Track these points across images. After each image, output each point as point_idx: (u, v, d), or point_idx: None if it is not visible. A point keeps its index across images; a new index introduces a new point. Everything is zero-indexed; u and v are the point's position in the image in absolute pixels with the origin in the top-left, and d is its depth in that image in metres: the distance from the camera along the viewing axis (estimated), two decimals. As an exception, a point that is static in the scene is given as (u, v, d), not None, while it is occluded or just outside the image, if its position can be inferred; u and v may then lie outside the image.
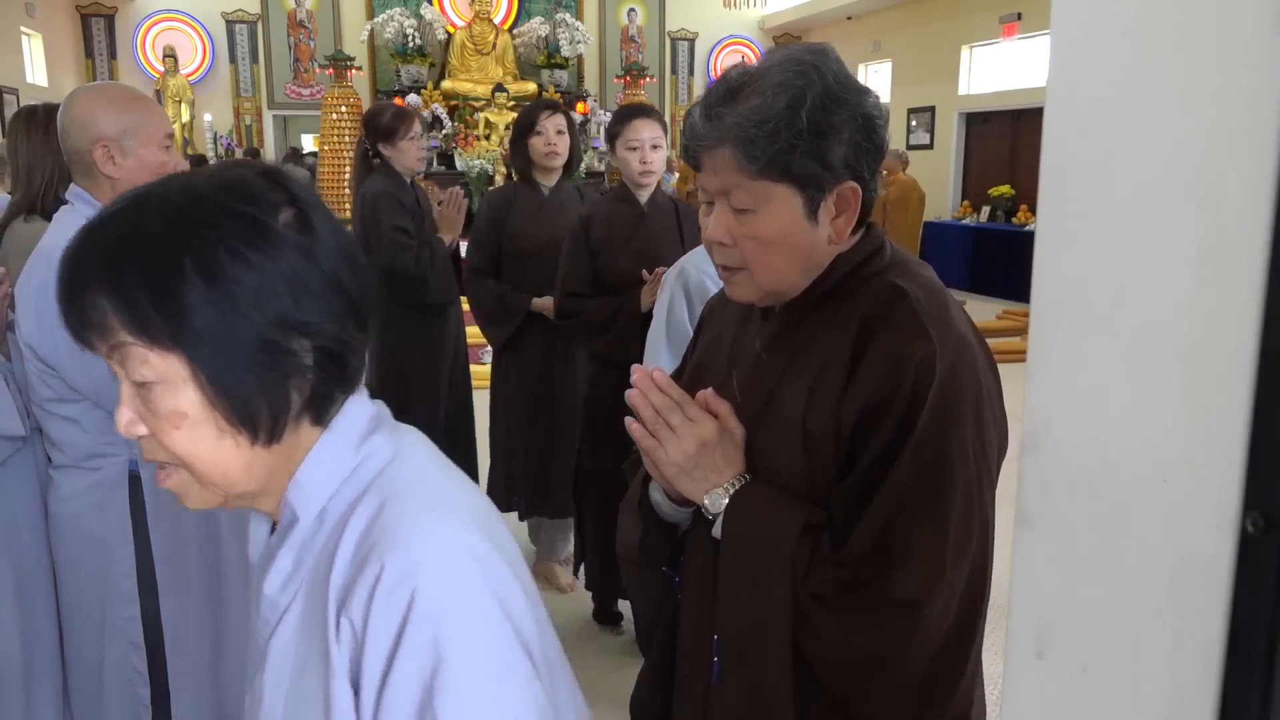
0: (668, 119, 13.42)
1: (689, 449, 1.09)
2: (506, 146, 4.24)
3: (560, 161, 3.28)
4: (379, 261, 3.57)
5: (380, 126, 3.60)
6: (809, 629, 1.05)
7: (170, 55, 13.25)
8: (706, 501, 1.10)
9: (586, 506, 3.10)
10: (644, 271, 2.84)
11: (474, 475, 3.80)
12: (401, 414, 0.91)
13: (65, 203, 1.95)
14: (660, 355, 2.36)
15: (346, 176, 12.16)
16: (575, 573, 3.35)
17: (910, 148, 12.28)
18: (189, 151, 13.05)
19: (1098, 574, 0.50)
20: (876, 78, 14.09)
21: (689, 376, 1.30)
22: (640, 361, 2.84)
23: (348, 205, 14.95)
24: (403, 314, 3.60)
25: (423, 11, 13.37)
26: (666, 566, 1.24)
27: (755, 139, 1.05)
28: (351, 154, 14.30)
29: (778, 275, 1.12)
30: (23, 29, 11.40)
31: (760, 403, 1.15)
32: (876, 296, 1.10)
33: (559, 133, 3.25)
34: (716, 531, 1.11)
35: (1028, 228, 10.28)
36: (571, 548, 3.57)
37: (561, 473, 3.36)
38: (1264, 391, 0.41)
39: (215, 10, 13.53)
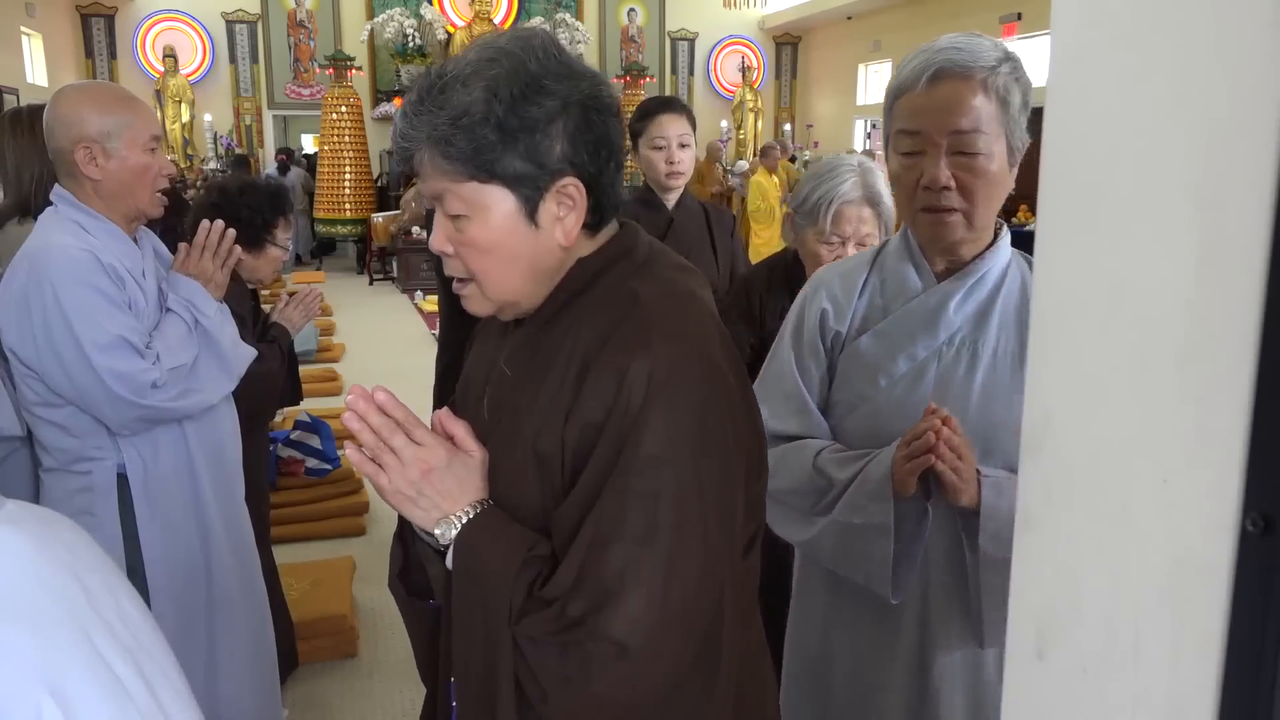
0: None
1: (412, 475, 1.00)
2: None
3: None
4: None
5: None
6: (528, 673, 0.97)
7: (170, 55, 13.25)
8: (437, 532, 1.02)
9: None
10: None
11: None
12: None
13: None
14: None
15: (347, 176, 12.21)
16: None
17: (910, 148, 12.27)
18: (189, 152, 13.05)
19: (1098, 574, 0.50)
20: (876, 78, 14.09)
21: (458, 396, 1.22)
22: None
23: (348, 205, 14.89)
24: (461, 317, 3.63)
25: (423, 11, 13.37)
26: (434, 600, 1.14)
27: (450, 138, 0.96)
28: (351, 154, 14.13)
29: (505, 285, 1.03)
30: (23, 29, 11.39)
31: (503, 421, 1.06)
32: (612, 305, 1.01)
33: None
34: (450, 563, 1.03)
35: (1028, 228, 10.27)
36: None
37: None
38: (1264, 391, 0.41)
39: (215, 10, 13.53)
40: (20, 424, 1.93)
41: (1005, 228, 1.39)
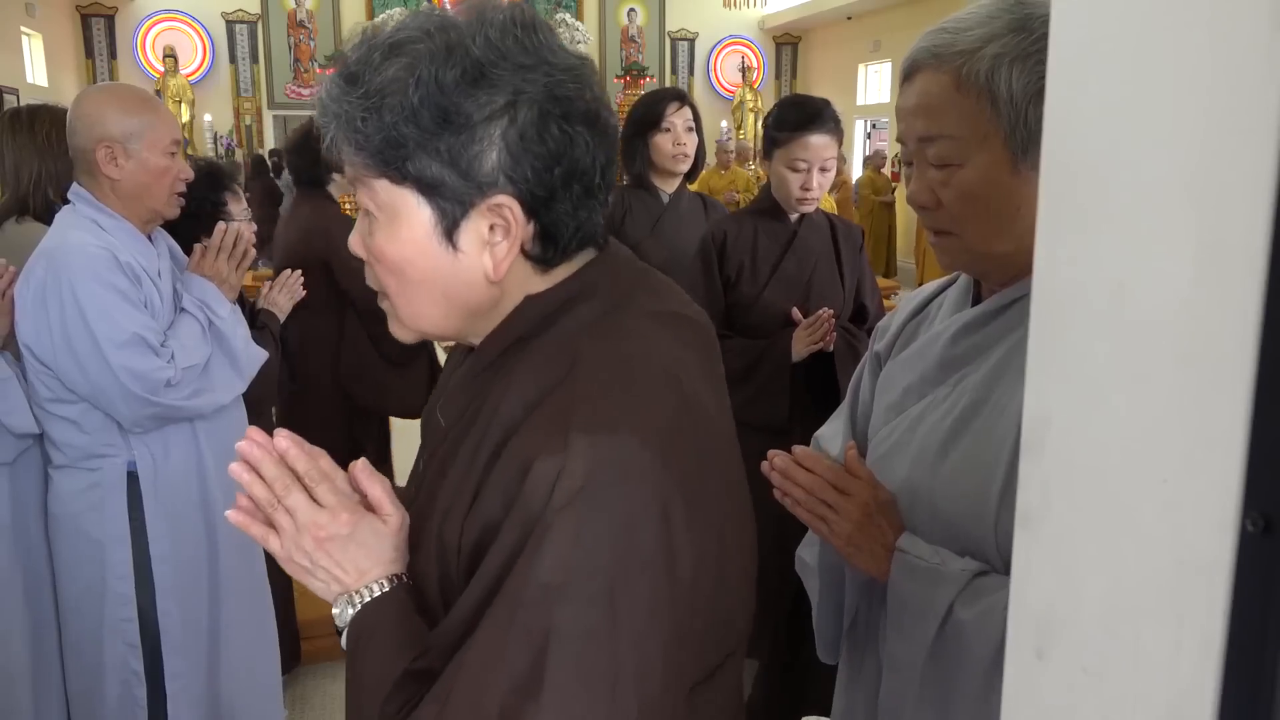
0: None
1: (305, 544, 0.83)
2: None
3: (688, 164, 2.73)
4: None
5: None
6: None
7: (170, 55, 13.25)
8: (334, 610, 0.85)
9: None
10: (794, 310, 2.34)
11: None
12: None
13: (55, 203, 1.96)
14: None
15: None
16: None
17: (910, 148, 12.28)
18: (189, 152, 13.06)
19: (1098, 574, 0.50)
20: (876, 78, 14.09)
21: (422, 430, 1.03)
22: (787, 422, 2.25)
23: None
24: None
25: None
26: None
27: (359, 120, 0.77)
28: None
29: (418, 313, 0.84)
30: (23, 29, 11.39)
31: (424, 486, 0.88)
32: (551, 364, 0.79)
33: (689, 129, 2.70)
34: (344, 645, 0.86)
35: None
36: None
37: None
38: (1264, 391, 0.41)
39: (215, 10, 13.53)
40: (35, 421, 1.94)
41: None
